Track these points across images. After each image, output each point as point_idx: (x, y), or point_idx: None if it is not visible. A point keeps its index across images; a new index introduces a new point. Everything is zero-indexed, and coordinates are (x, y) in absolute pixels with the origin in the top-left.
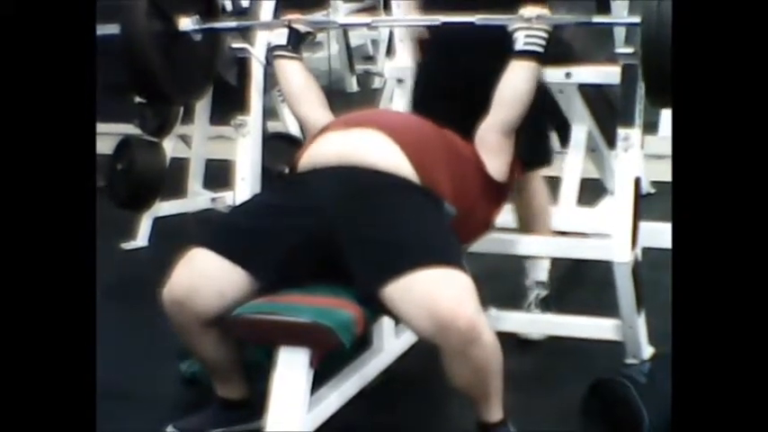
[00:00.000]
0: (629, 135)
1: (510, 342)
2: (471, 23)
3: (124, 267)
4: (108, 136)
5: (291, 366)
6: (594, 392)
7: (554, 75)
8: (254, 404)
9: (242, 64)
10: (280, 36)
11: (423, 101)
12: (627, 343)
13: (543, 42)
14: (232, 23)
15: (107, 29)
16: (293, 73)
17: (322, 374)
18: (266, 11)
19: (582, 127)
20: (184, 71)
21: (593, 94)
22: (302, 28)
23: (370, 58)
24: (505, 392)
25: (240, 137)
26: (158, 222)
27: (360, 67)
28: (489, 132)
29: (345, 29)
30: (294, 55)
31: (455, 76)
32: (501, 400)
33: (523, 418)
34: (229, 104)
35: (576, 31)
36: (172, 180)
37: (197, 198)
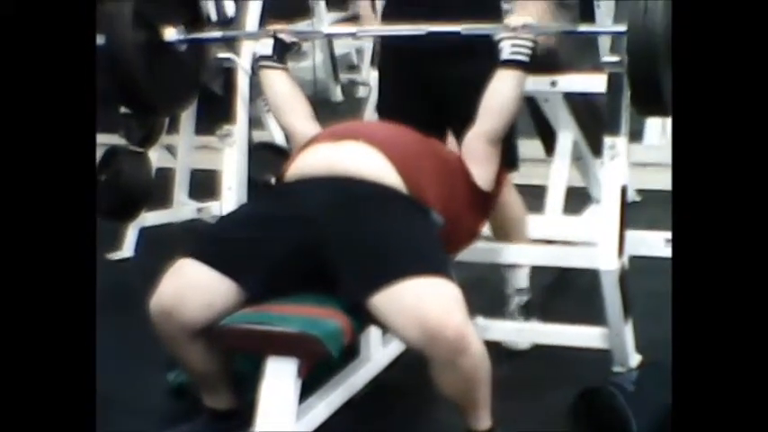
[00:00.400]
0: (616, 143)
1: (498, 350)
2: (457, 33)
3: (110, 278)
4: None
5: (279, 376)
6: (582, 401)
7: (540, 83)
8: (243, 414)
9: (228, 74)
10: (265, 46)
11: (390, 111)
12: (614, 351)
13: (529, 51)
14: (217, 34)
15: None
16: (279, 83)
17: (309, 384)
18: (252, 21)
19: (567, 135)
20: (170, 81)
21: (578, 103)
22: (288, 38)
23: (354, 68)
24: (493, 400)
25: (226, 147)
26: (144, 233)
27: (344, 77)
28: (476, 141)
29: (330, 38)
30: (280, 65)
31: (413, 83)
32: (489, 408)
33: (512, 426)
34: (214, 114)
35: (561, 40)
36: (157, 190)
37: (183, 208)
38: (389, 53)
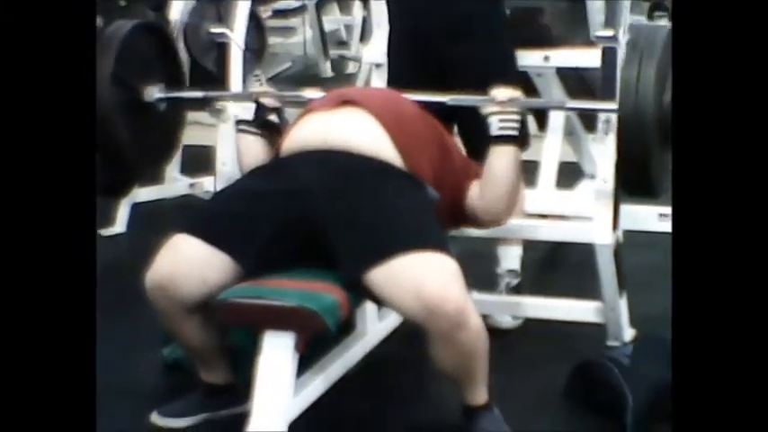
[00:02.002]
0: (610, 117)
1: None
2: (443, 104)
3: (103, 254)
4: None
5: (277, 350)
6: (578, 374)
7: (532, 58)
8: (239, 389)
9: (221, 49)
10: (246, 110)
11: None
12: (609, 325)
13: (516, 125)
14: (198, 93)
15: None
16: (253, 150)
17: (306, 359)
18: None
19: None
20: (150, 140)
21: (570, 78)
22: (270, 103)
23: (343, 44)
24: (489, 376)
25: (220, 122)
26: (136, 208)
27: (334, 52)
28: (480, 212)
29: (320, 21)
30: (258, 131)
31: (419, 63)
32: (486, 383)
33: (507, 401)
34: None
35: (554, 16)
36: None
37: (175, 184)
38: (397, 35)
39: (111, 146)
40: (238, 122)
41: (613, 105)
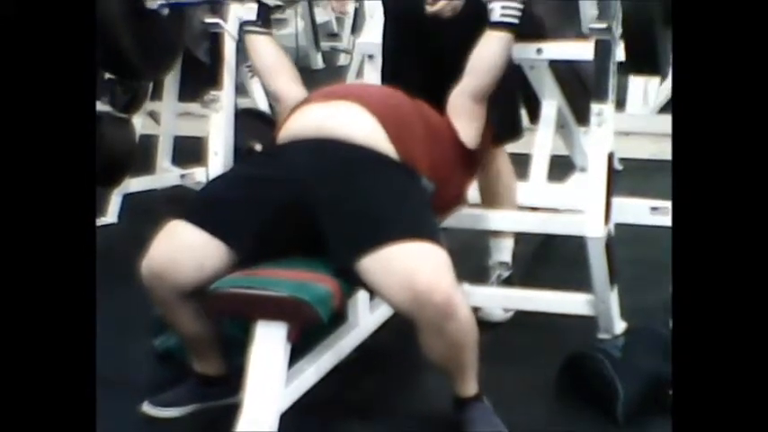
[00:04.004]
0: (603, 110)
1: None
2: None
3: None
4: None
5: (269, 341)
6: (570, 367)
7: (525, 51)
8: (231, 381)
9: (214, 39)
10: (249, 11)
11: (393, 73)
12: (600, 318)
13: (518, 14)
14: None
15: None
16: (264, 48)
17: (298, 349)
18: None
19: (552, 103)
20: (153, 46)
21: (563, 71)
22: (271, 1)
23: (335, 36)
24: (479, 368)
25: (213, 112)
26: (128, 199)
27: (325, 44)
28: (461, 99)
29: (312, 12)
30: (265, 30)
31: (421, 47)
32: (476, 374)
33: (498, 393)
34: (197, 81)
35: (548, 8)
36: (141, 157)
37: (166, 175)
38: (392, 23)
39: (116, 53)
40: (244, 24)
41: None
